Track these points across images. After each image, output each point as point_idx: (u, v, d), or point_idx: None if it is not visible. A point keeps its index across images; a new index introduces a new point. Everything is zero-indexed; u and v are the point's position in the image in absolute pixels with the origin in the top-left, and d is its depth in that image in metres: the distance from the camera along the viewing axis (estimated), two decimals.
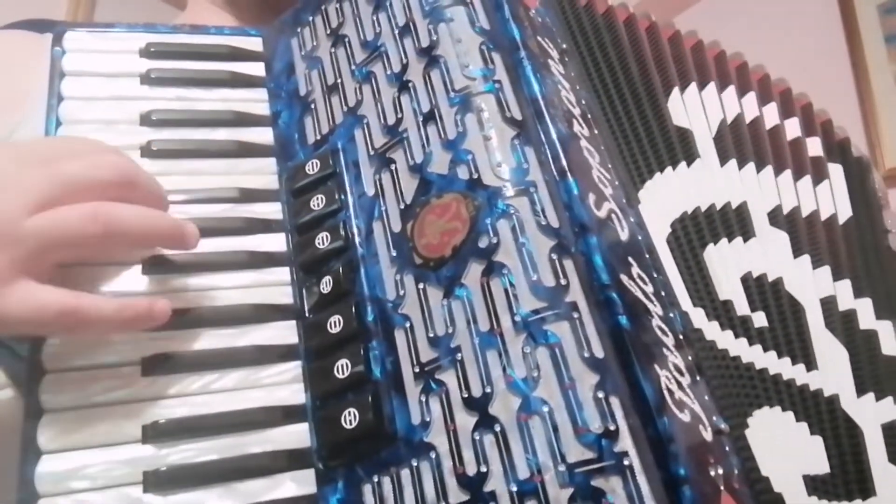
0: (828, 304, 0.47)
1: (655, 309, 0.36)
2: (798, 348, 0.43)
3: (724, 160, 0.49)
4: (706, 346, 0.38)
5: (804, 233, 0.50)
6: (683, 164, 0.46)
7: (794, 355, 0.42)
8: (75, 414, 0.36)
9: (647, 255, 0.38)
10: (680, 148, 0.47)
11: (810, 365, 0.43)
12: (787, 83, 0.59)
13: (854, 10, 1.88)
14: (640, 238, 0.39)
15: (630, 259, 0.36)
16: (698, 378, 0.35)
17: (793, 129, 0.56)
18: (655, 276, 0.38)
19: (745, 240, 0.46)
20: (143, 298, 0.37)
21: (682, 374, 0.34)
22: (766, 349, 0.41)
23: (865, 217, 0.55)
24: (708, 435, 0.33)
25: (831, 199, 0.54)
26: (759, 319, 0.43)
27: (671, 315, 0.37)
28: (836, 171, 0.57)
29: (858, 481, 0.41)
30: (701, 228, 0.44)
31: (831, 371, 0.44)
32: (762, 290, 0.44)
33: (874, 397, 0.45)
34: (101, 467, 0.35)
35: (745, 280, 0.44)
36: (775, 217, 0.49)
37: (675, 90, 0.50)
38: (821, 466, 0.39)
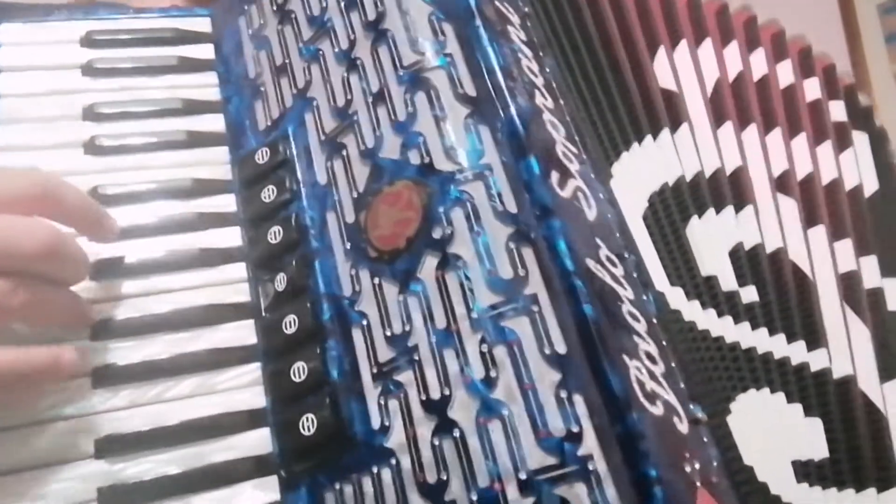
0: (849, 280, 0.44)
1: (626, 293, 0.33)
2: (799, 325, 0.40)
3: (719, 123, 0.45)
4: (684, 328, 0.36)
5: (822, 201, 0.46)
6: (666, 130, 0.43)
7: (793, 332, 0.40)
8: (22, 432, 0.35)
9: (618, 235, 0.36)
10: (665, 113, 0.44)
11: (815, 343, 0.40)
12: (807, 40, 0.55)
13: (854, 10, 1.83)
14: (609, 216, 0.36)
15: (598, 240, 0.34)
16: (673, 365, 0.33)
17: (813, 90, 0.52)
18: (627, 256, 0.35)
19: (739, 208, 0.43)
20: (46, 348, 0.33)
21: (654, 362, 0.32)
22: (755, 326, 0.39)
23: (891, 191, 0.52)
24: (683, 427, 0.31)
25: (856, 168, 0.50)
26: (749, 294, 0.40)
27: (644, 298, 0.34)
28: (861, 139, 0.53)
29: (879, 469, 0.38)
30: (683, 200, 0.41)
31: (845, 350, 0.41)
32: (755, 263, 0.41)
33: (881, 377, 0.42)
34: (52, 486, 0.34)
35: (735, 252, 0.41)
36: (784, 183, 0.45)
37: (661, 49, 0.46)
38: (817, 451, 0.36)
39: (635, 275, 0.35)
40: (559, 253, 0.31)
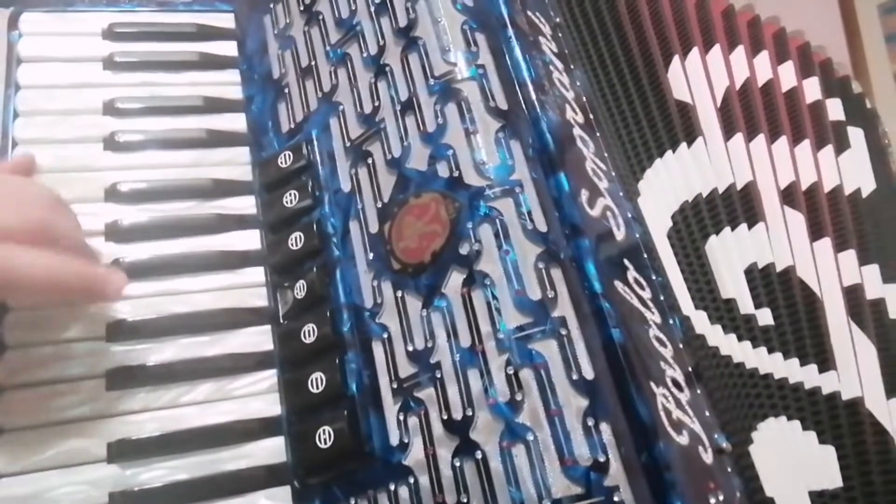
0: (853, 294, 0.43)
1: (653, 317, 0.33)
2: (810, 346, 0.40)
3: (729, 134, 0.44)
4: (709, 354, 0.35)
5: (825, 212, 0.45)
6: (684, 145, 0.42)
7: (805, 354, 0.39)
8: (35, 433, 0.34)
9: (646, 256, 0.35)
10: (680, 126, 0.43)
11: (824, 364, 0.39)
12: (804, 36, 0.53)
13: (854, 10, 1.82)
14: (637, 236, 0.36)
15: (626, 262, 0.33)
16: (699, 392, 0.32)
17: (812, 90, 0.51)
18: (654, 278, 0.35)
19: (751, 225, 0.42)
20: (97, 266, 0.34)
21: (680, 389, 0.31)
22: (771, 350, 0.38)
23: (886, 183, 0.51)
24: (708, 457, 0.31)
25: (854, 169, 0.49)
26: (764, 317, 0.39)
27: (671, 322, 0.34)
28: (856, 135, 0.52)
29: (886, 493, 0.38)
30: (702, 218, 0.40)
31: (852, 370, 0.40)
32: (768, 282, 0.40)
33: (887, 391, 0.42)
34: (63, 490, 0.33)
35: (750, 272, 0.40)
36: (790, 195, 0.44)
37: (676, 58, 0.45)
38: (831, 480, 0.36)
39: (662, 298, 0.34)
40: (588, 275, 0.31)
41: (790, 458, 0.35)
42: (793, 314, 0.40)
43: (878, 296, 0.44)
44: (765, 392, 0.36)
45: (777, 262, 0.41)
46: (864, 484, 0.36)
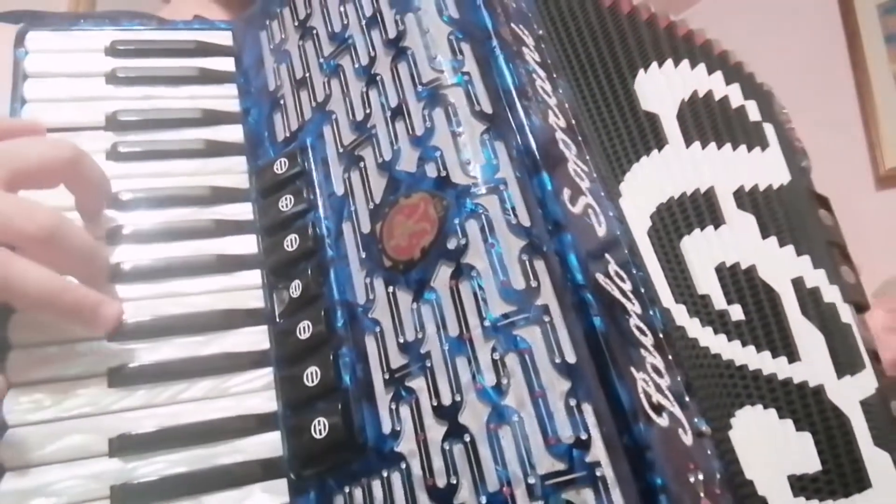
0: (799, 286, 0.45)
1: (634, 308, 0.34)
2: (778, 340, 0.41)
3: (688, 142, 0.47)
4: (688, 345, 0.37)
5: (766, 211, 0.47)
6: (655, 151, 0.45)
7: (775, 348, 0.41)
8: (39, 429, 0.35)
9: (627, 251, 0.37)
10: (650, 134, 0.45)
11: (792, 356, 0.41)
12: (720, 44, 0.56)
13: (854, 10, 1.86)
14: (618, 233, 0.37)
15: (607, 256, 0.35)
16: (679, 379, 0.34)
17: (736, 95, 0.53)
18: (635, 272, 0.36)
19: (716, 227, 0.44)
20: (90, 292, 0.34)
21: (661, 375, 0.33)
22: (744, 344, 0.40)
23: (796, 167, 0.53)
24: (688, 439, 0.32)
25: (776, 164, 0.52)
26: (736, 312, 0.41)
27: (651, 313, 0.35)
28: (769, 131, 0.54)
29: (853, 472, 0.39)
30: (676, 219, 0.43)
31: (814, 360, 0.42)
32: (737, 281, 0.42)
33: (849, 376, 0.43)
34: (66, 483, 0.34)
35: (720, 270, 0.42)
36: (740, 198, 0.47)
37: (641, 71, 0.48)
38: (810, 464, 0.37)
39: (643, 290, 0.36)
40: (570, 266, 0.32)
41: (769, 444, 0.37)
42: (760, 310, 0.42)
43: (814, 284, 0.46)
44: (741, 382, 0.38)
45: (742, 262, 0.43)
46: (837, 466, 0.38)
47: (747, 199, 0.47)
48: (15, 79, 0.44)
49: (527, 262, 0.32)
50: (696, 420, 0.33)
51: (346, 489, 0.34)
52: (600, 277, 0.33)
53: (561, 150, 0.37)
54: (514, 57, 0.38)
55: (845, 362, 0.43)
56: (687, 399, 0.33)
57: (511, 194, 0.34)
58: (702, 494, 0.30)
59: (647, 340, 0.34)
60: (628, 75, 0.47)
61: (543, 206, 0.34)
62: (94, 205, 0.39)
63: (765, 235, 0.46)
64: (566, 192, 0.35)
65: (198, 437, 0.36)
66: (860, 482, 0.39)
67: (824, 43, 1.89)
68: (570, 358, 0.30)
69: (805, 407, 0.39)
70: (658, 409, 0.31)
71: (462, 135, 0.35)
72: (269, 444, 0.37)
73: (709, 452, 0.33)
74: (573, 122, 0.40)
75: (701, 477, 0.31)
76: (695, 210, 0.43)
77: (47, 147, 0.36)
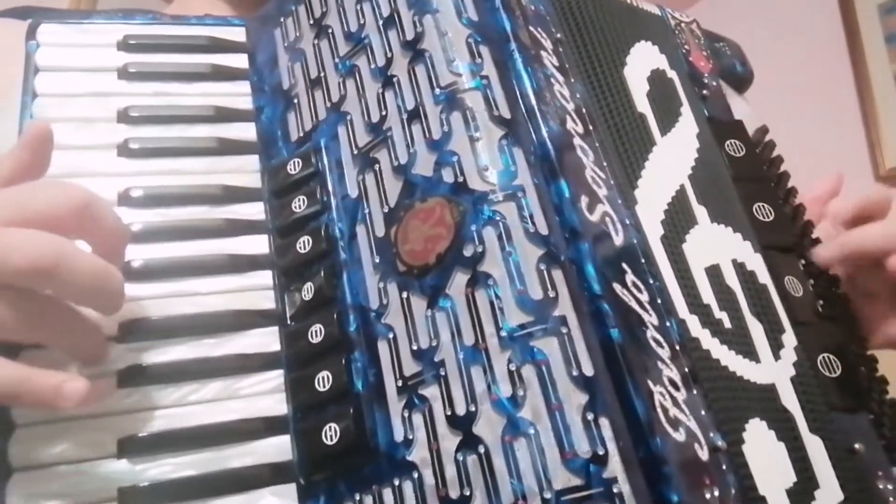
0: (743, 273, 0.42)
1: (650, 319, 0.34)
2: (752, 344, 0.39)
3: (663, 132, 0.44)
4: (703, 357, 0.36)
5: (712, 194, 0.44)
6: (651, 153, 0.43)
7: (755, 354, 0.39)
8: (48, 428, 0.35)
9: (643, 261, 0.36)
10: (645, 136, 0.43)
11: (757, 360, 0.39)
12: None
13: (854, 10, 1.85)
14: (635, 242, 0.37)
15: (624, 265, 0.35)
16: (695, 392, 0.33)
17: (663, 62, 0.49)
18: (651, 282, 0.36)
19: (694, 227, 0.42)
20: (50, 374, 0.32)
21: (677, 388, 0.32)
22: (737, 353, 0.39)
23: (701, 116, 0.48)
24: (704, 454, 0.31)
25: (694, 136, 0.47)
26: (726, 320, 0.39)
27: (667, 324, 0.35)
28: (686, 112, 0.49)
29: (808, 470, 0.37)
30: (676, 224, 0.41)
31: (770, 358, 0.40)
32: (719, 283, 0.40)
33: (774, 359, 0.40)
34: (74, 484, 0.34)
35: (708, 276, 0.40)
36: (696, 189, 0.44)
37: (626, 63, 0.46)
38: (790, 475, 0.36)
39: (659, 301, 0.35)
40: (587, 276, 0.32)
41: (771, 458, 0.36)
42: (737, 313, 0.40)
43: (751, 269, 0.43)
44: (743, 395, 0.37)
45: (721, 264, 0.41)
46: (803, 471, 0.36)
47: (700, 188, 0.44)
48: (26, 72, 0.44)
49: (545, 272, 0.32)
50: (711, 435, 0.33)
51: (357, 496, 0.33)
52: (617, 288, 0.33)
53: (579, 156, 0.37)
54: (532, 61, 0.38)
55: (774, 346, 0.41)
56: (703, 413, 0.33)
57: (529, 201, 0.33)
58: None
59: (664, 353, 0.33)
60: (623, 70, 0.45)
61: (561, 214, 0.33)
62: (112, 253, 0.35)
63: (714, 221, 0.43)
64: (584, 200, 0.35)
65: (207, 439, 0.36)
66: (814, 480, 0.37)
67: (824, 43, 1.89)
68: (588, 371, 0.30)
69: (775, 412, 0.37)
70: (675, 423, 0.31)
71: (480, 140, 0.35)
72: (279, 448, 0.37)
73: (724, 467, 0.32)
74: (590, 127, 0.40)
75: (717, 493, 0.30)
76: (683, 212, 0.41)
77: (57, 195, 0.33)
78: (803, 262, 0.46)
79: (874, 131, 1.76)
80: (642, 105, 0.45)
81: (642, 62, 0.47)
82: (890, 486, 0.37)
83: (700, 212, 0.43)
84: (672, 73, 0.48)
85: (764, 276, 0.43)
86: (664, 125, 0.45)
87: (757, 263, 0.43)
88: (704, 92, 0.50)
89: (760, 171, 0.48)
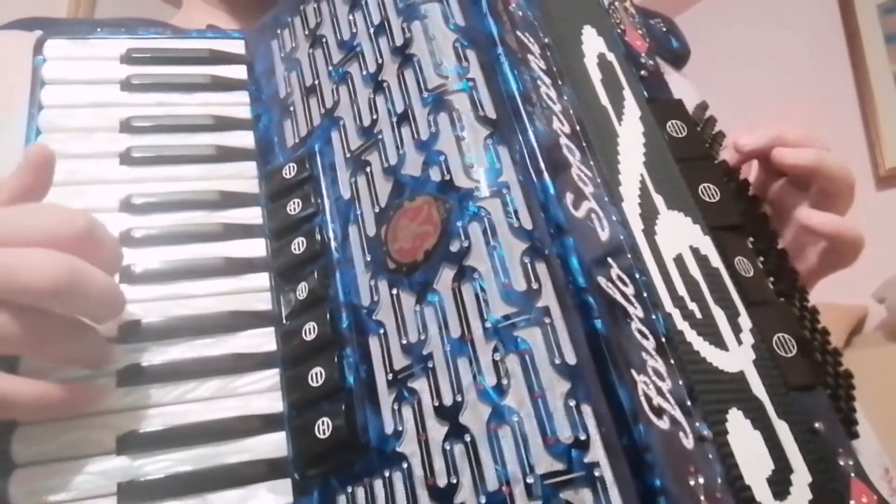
0: (699, 259, 0.41)
1: (636, 311, 0.34)
2: (720, 332, 0.39)
3: (619, 121, 0.44)
4: (688, 350, 0.37)
5: (664, 179, 0.43)
6: (618, 146, 0.43)
7: (719, 342, 0.38)
8: (49, 426, 0.36)
9: (630, 255, 0.37)
10: (611, 129, 0.43)
11: (726, 348, 0.39)
12: None
13: (854, 10, 1.86)
14: (622, 238, 0.37)
15: (610, 260, 0.35)
16: (681, 383, 0.34)
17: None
18: (637, 276, 0.36)
19: (658, 218, 0.41)
20: (35, 384, 0.33)
21: (662, 379, 0.33)
22: (710, 343, 0.38)
23: (641, 97, 0.47)
24: (689, 442, 0.32)
25: (638, 119, 0.45)
26: (697, 311, 0.39)
27: (653, 317, 0.35)
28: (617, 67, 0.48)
29: (783, 458, 0.36)
30: (647, 216, 0.40)
31: (736, 345, 0.39)
32: (686, 274, 0.40)
33: (737, 344, 0.39)
34: (75, 479, 0.35)
35: (677, 265, 0.40)
36: (651, 173, 0.43)
37: (584, 53, 0.45)
38: (768, 463, 0.36)
39: (645, 294, 0.36)
40: (572, 269, 0.32)
41: (752, 447, 0.36)
42: (700, 301, 0.39)
43: (704, 253, 0.42)
44: (721, 386, 0.37)
45: (683, 253, 0.41)
46: (781, 460, 0.36)
47: (653, 173, 0.43)
48: (33, 85, 0.46)
49: (528, 265, 0.33)
50: (697, 425, 0.33)
51: (349, 489, 0.34)
52: (602, 281, 0.33)
53: (565, 155, 0.38)
54: (519, 64, 0.39)
55: (735, 331, 0.40)
56: (689, 403, 0.33)
57: (514, 198, 0.34)
58: (702, 498, 0.30)
59: (649, 344, 0.34)
60: (584, 61, 0.45)
61: (546, 210, 0.34)
62: (111, 272, 0.36)
63: (670, 208, 0.42)
64: (569, 197, 0.35)
65: (204, 436, 0.37)
66: (791, 470, 0.36)
67: (824, 43, 1.89)
68: (571, 359, 0.30)
69: (748, 401, 0.37)
70: (659, 412, 0.31)
71: (466, 139, 0.36)
72: (275, 445, 0.37)
73: (710, 457, 0.33)
74: (577, 127, 0.41)
75: (701, 480, 0.31)
76: (647, 203, 0.41)
77: (62, 217, 0.33)
78: (751, 239, 0.45)
79: (874, 131, 1.76)
80: (602, 96, 0.44)
81: (592, 49, 0.47)
82: (850, 462, 0.37)
83: (658, 200, 0.42)
84: (611, 56, 0.47)
85: (716, 260, 0.42)
86: (617, 113, 0.44)
87: (707, 247, 0.42)
88: (643, 73, 0.49)
89: (703, 149, 0.47)
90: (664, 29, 0.58)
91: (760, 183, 0.53)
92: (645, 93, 0.47)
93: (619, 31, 0.50)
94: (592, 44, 0.47)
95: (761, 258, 0.45)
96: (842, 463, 0.38)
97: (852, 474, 0.37)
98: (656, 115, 0.47)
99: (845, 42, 1.88)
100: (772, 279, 0.44)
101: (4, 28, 0.57)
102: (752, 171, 0.53)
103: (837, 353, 0.44)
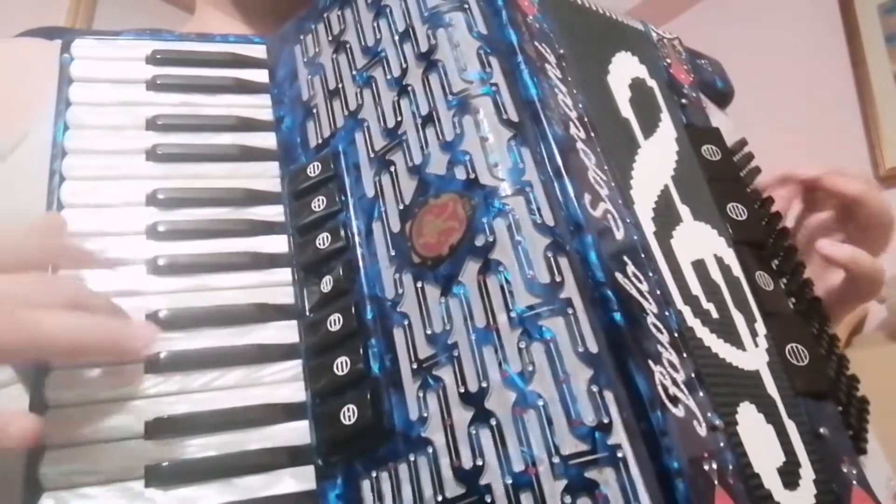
0: (722, 267, 0.44)
1: (650, 307, 0.36)
2: (736, 332, 0.41)
3: (646, 135, 0.47)
4: (699, 345, 0.38)
5: (692, 194, 0.45)
6: (637, 156, 0.45)
7: (740, 342, 0.41)
8: (79, 410, 0.37)
9: (643, 255, 0.39)
10: (631, 139, 0.46)
11: (743, 348, 0.41)
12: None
13: (854, 10, 1.89)
14: (635, 238, 0.39)
15: (625, 258, 0.37)
16: (692, 375, 0.35)
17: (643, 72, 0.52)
18: (650, 275, 0.38)
19: (679, 224, 0.44)
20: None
21: (676, 370, 0.35)
22: (725, 341, 0.40)
23: (679, 121, 0.50)
24: (702, 430, 0.33)
25: (673, 140, 0.49)
26: (713, 311, 0.41)
27: (666, 313, 0.37)
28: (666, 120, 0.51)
29: (793, 452, 0.38)
30: (663, 221, 0.43)
31: (753, 347, 0.42)
32: (705, 277, 0.42)
33: (755, 346, 0.42)
34: (104, 461, 0.36)
35: (695, 268, 0.42)
36: (679, 188, 0.46)
37: (610, 69, 0.48)
38: (779, 455, 0.38)
39: (658, 292, 0.37)
40: (591, 264, 0.34)
41: (763, 438, 0.38)
42: (719, 303, 0.42)
43: (727, 263, 0.44)
44: (737, 381, 0.39)
45: (706, 259, 0.43)
46: (791, 454, 0.38)
47: (683, 186, 0.46)
48: (60, 82, 0.47)
49: (551, 259, 0.34)
50: (709, 414, 0.35)
51: (374, 473, 0.35)
52: (619, 277, 0.35)
53: (581, 158, 0.40)
54: (537, 72, 0.41)
55: (751, 335, 0.42)
56: (701, 394, 0.35)
57: (536, 196, 0.36)
58: (715, 482, 0.32)
59: (664, 338, 0.35)
60: (606, 78, 0.48)
61: (566, 209, 0.36)
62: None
63: (697, 219, 0.45)
64: (587, 197, 0.37)
65: (229, 423, 0.38)
66: (799, 464, 0.38)
67: (824, 43, 1.91)
68: (593, 348, 0.32)
69: (762, 398, 0.39)
70: (674, 400, 0.33)
71: (490, 140, 0.38)
72: (298, 432, 0.38)
73: (721, 444, 0.34)
74: (592, 134, 0.42)
75: (714, 466, 0.32)
76: (668, 210, 0.43)
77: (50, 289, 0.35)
78: (776, 262, 0.47)
79: (874, 131, 1.77)
80: (626, 110, 0.47)
81: (624, 70, 0.50)
82: (854, 471, 0.39)
83: (684, 210, 0.45)
84: (652, 82, 0.51)
85: (737, 270, 0.44)
86: (646, 129, 0.47)
87: (731, 258, 0.44)
88: (683, 101, 0.52)
89: (735, 173, 0.50)
90: (710, 69, 0.61)
91: (798, 218, 0.56)
92: (684, 118, 0.51)
93: (664, 63, 0.54)
94: (626, 67, 0.50)
95: (784, 280, 0.47)
96: (845, 470, 0.39)
97: (854, 482, 0.39)
98: (693, 138, 0.50)
99: (845, 42, 1.90)
100: (793, 300, 0.46)
101: (26, 35, 0.58)
102: (790, 208, 0.56)
103: (855, 379, 0.46)
